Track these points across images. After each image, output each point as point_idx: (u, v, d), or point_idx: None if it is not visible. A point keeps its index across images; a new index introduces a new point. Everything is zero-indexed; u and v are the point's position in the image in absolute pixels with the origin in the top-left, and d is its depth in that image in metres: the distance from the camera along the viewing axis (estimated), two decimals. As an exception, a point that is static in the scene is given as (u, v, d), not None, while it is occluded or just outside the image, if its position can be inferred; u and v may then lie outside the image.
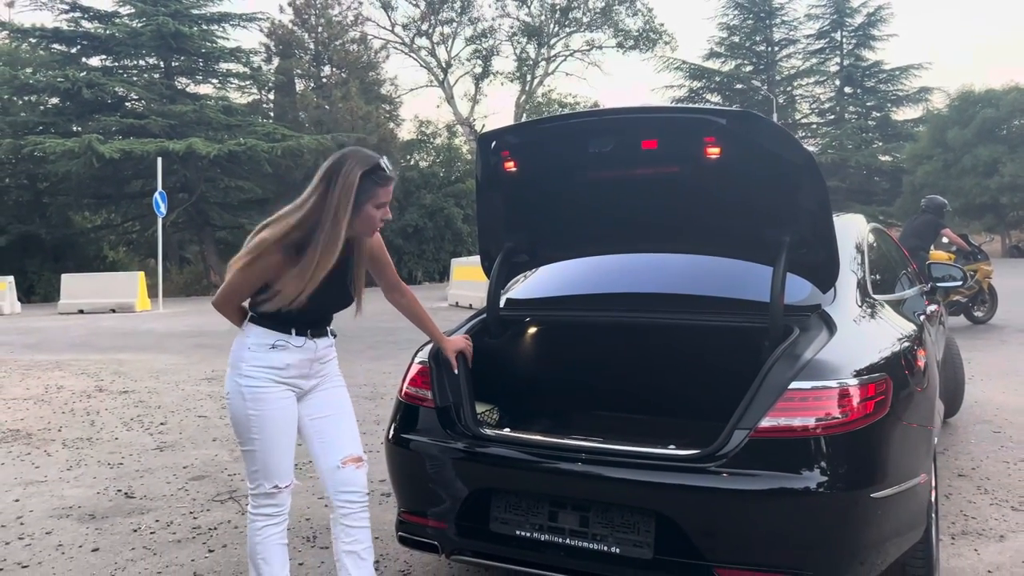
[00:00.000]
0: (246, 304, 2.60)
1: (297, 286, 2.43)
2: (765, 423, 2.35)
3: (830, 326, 2.68)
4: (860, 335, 2.79)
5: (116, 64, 28.72)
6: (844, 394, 2.38)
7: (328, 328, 2.68)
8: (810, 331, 2.64)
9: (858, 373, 2.45)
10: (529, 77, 39.44)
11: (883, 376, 2.50)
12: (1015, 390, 6.66)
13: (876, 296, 3.23)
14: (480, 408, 3.02)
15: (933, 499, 2.95)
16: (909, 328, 3.15)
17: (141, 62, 29.12)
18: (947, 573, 3.15)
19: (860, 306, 2.99)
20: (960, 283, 4.95)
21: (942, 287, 4.97)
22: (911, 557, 2.70)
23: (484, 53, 38.43)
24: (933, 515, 2.93)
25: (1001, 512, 3.84)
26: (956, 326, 10.66)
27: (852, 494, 2.34)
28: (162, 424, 6.27)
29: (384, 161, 2.49)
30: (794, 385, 2.38)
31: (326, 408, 2.69)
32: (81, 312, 18.33)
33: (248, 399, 2.52)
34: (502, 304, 3.33)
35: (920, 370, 2.90)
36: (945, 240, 10.83)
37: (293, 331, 2.55)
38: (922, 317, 3.75)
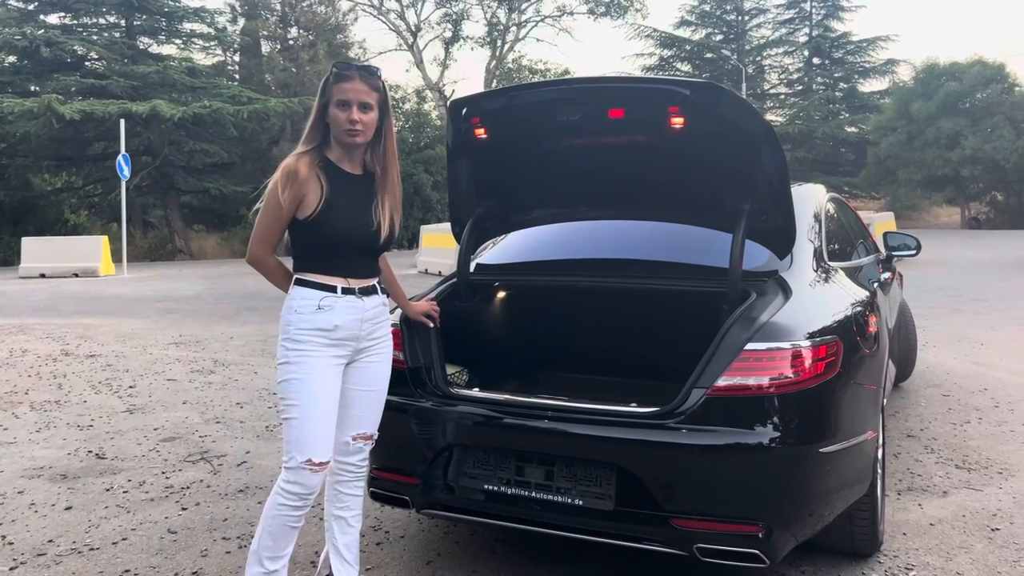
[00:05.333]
0: (290, 268, 2.54)
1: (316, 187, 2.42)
2: (722, 382, 2.48)
3: (786, 291, 2.80)
4: (814, 300, 2.92)
5: (75, 22, 27.89)
6: (797, 355, 2.50)
7: (376, 284, 2.59)
8: (767, 295, 2.76)
9: (811, 335, 2.57)
10: (499, 42, 39.09)
11: (834, 339, 2.63)
12: (964, 356, 6.92)
13: (832, 263, 3.37)
14: (450, 370, 3.11)
15: (880, 455, 3.11)
16: (862, 294, 3.29)
17: (101, 20, 28.32)
18: (892, 526, 3.33)
19: (815, 272, 3.12)
20: (914, 252, 5.11)
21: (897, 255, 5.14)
22: (857, 509, 2.86)
23: (454, 17, 37.98)
24: (879, 470, 3.09)
25: (945, 470, 4.04)
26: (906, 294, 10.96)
27: (802, 449, 2.47)
28: (131, 387, 6.28)
29: (342, 64, 2.48)
30: (750, 346, 2.50)
31: (368, 382, 2.59)
32: (43, 276, 18.02)
33: (293, 363, 2.41)
34: (472, 269, 3.41)
35: (871, 334, 3.04)
36: None
37: (339, 289, 2.47)
38: (875, 284, 3.90)
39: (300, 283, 2.47)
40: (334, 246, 2.46)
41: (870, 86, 42.16)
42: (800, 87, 43.41)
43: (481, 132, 3.05)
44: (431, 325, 2.96)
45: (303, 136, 2.49)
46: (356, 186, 2.51)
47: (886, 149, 34.92)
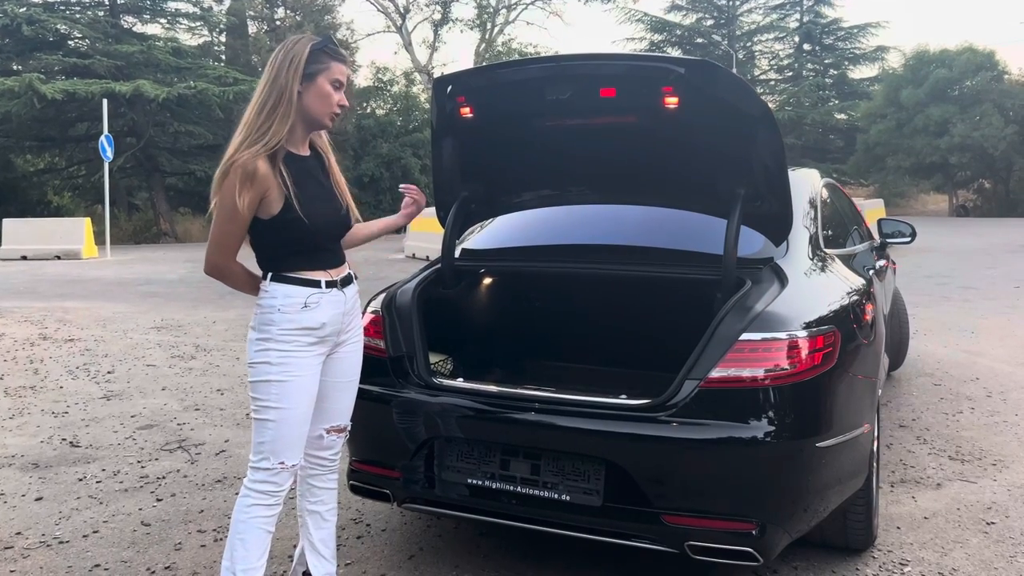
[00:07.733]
0: (255, 271, 2.39)
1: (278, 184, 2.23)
2: (715, 374, 2.38)
3: (781, 279, 2.71)
4: (811, 288, 2.83)
5: (58, 0, 27.46)
6: (793, 346, 2.41)
7: (350, 271, 2.46)
8: (762, 284, 2.66)
9: (807, 325, 2.48)
10: (489, 25, 38.74)
11: (831, 329, 2.54)
12: (955, 344, 6.87)
13: (828, 250, 3.27)
14: (434, 358, 3.00)
15: (875, 448, 3.03)
16: (858, 282, 3.20)
17: (84, -2, 27.91)
18: (886, 519, 3.25)
19: (812, 260, 3.02)
20: (909, 239, 5.03)
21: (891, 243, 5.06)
22: (852, 504, 2.78)
23: (443, -1, 37.57)
24: (874, 464, 3.02)
25: (938, 461, 3.97)
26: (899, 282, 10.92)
27: (798, 443, 2.38)
28: (109, 373, 6.14)
29: (329, 42, 2.32)
30: (744, 336, 2.40)
31: (343, 373, 2.47)
32: (24, 258, 17.78)
33: (276, 364, 2.26)
34: (457, 254, 3.29)
35: (867, 323, 2.96)
36: None
37: (323, 283, 2.33)
38: (871, 272, 3.82)
39: (281, 280, 2.31)
40: (311, 239, 2.32)
41: (860, 73, 42.09)
42: (790, 73, 43.27)
43: (467, 111, 2.92)
44: (423, 202, 2.72)
45: (264, 122, 2.26)
46: (313, 171, 2.38)
47: (875, 136, 34.86)
